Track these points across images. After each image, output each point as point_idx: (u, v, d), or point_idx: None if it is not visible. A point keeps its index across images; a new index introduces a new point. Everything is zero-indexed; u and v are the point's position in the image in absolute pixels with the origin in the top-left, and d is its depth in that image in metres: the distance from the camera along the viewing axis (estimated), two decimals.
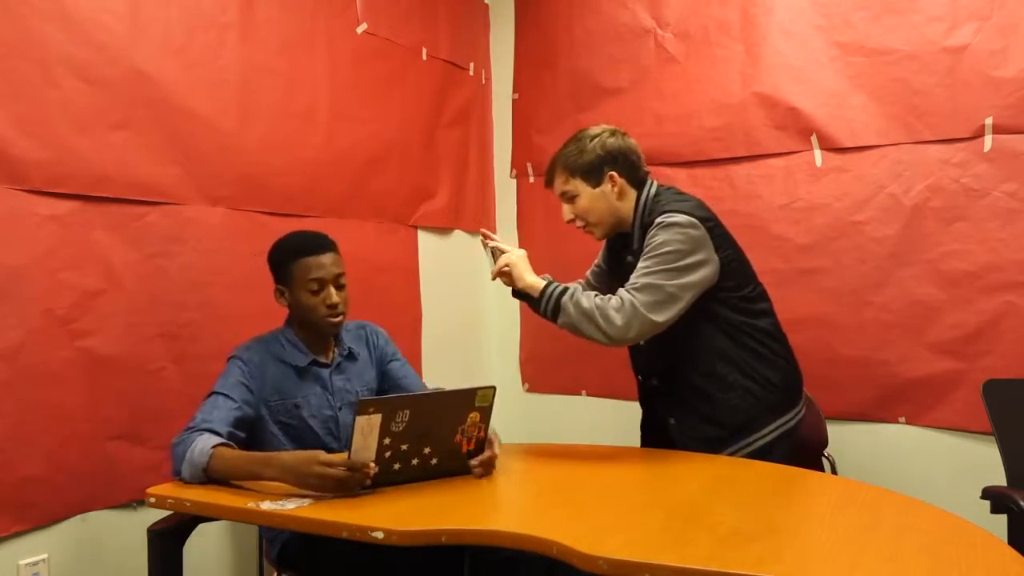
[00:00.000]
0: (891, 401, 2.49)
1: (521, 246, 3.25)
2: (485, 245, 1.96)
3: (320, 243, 1.87)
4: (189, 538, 1.61)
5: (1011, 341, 2.30)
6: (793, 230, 2.64)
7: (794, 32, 2.62)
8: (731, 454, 1.85)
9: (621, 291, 1.78)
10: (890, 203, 2.48)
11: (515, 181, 3.29)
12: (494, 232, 3.33)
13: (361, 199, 2.68)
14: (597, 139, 1.92)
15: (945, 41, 2.38)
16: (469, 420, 1.61)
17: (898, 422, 2.50)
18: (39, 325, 1.82)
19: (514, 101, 3.29)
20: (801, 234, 2.63)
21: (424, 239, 2.97)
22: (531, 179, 3.24)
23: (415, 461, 1.58)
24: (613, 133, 1.95)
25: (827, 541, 1.19)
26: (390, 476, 1.56)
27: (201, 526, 1.62)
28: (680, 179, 2.82)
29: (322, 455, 1.49)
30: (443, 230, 3.08)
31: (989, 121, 2.32)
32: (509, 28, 3.30)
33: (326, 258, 1.84)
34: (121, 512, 2.00)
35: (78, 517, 1.91)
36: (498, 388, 1.68)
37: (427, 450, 1.59)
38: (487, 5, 3.33)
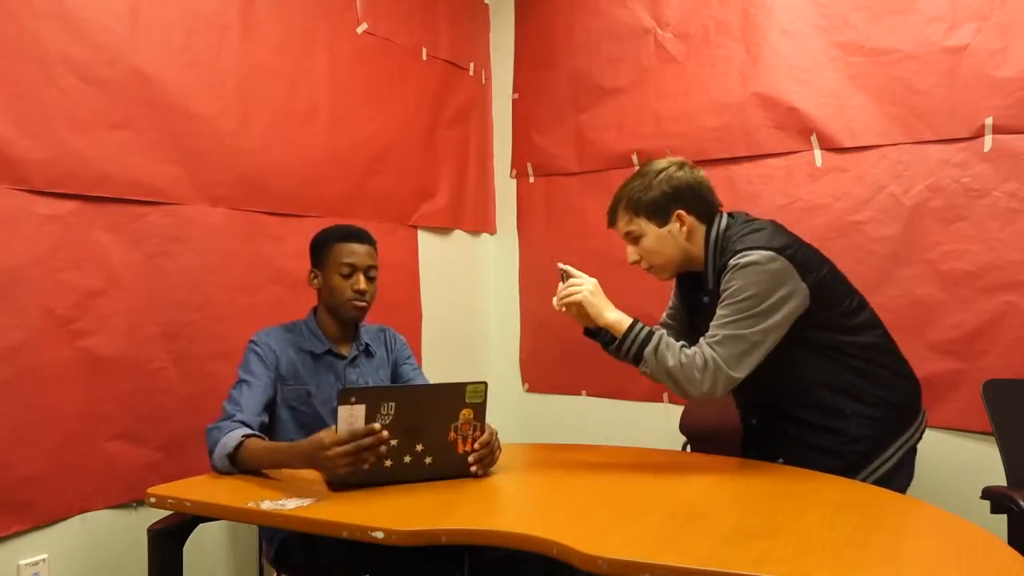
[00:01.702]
0: None
1: (521, 246, 3.28)
2: (562, 273, 1.77)
3: (360, 234, 1.96)
4: (189, 538, 1.61)
5: (1011, 341, 2.30)
6: (793, 230, 2.62)
7: (794, 32, 2.62)
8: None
9: (703, 345, 1.65)
10: (890, 203, 2.48)
11: (515, 181, 3.29)
12: (493, 232, 3.34)
13: (361, 199, 2.68)
14: (664, 173, 1.77)
15: (945, 41, 2.38)
16: (462, 417, 1.60)
17: None
18: (39, 325, 1.82)
19: (514, 101, 3.29)
20: (801, 234, 2.58)
21: (424, 239, 2.97)
22: (531, 179, 3.24)
23: (408, 459, 1.57)
24: (681, 166, 1.80)
25: (827, 541, 1.19)
26: (383, 474, 1.56)
27: (201, 526, 1.62)
28: None
29: (327, 438, 1.50)
30: (443, 230, 3.08)
31: (989, 121, 2.32)
32: (509, 28, 3.30)
33: (362, 248, 1.94)
34: (121, 512, 2.00)
35: (78, 517, 1.91)
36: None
37: (420, 447, 1.58)
38: (487, 5, 3.33)
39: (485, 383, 1.62)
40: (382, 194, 2.77)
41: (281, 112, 2.40)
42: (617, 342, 1.67)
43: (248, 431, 1.70)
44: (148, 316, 2.04)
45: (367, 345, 2.02)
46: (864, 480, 1.69)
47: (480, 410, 1.62)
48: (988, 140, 2.33)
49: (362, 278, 1.91)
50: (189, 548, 1.61)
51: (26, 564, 1.81)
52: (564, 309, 1.72)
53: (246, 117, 2.28)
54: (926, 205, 2.42)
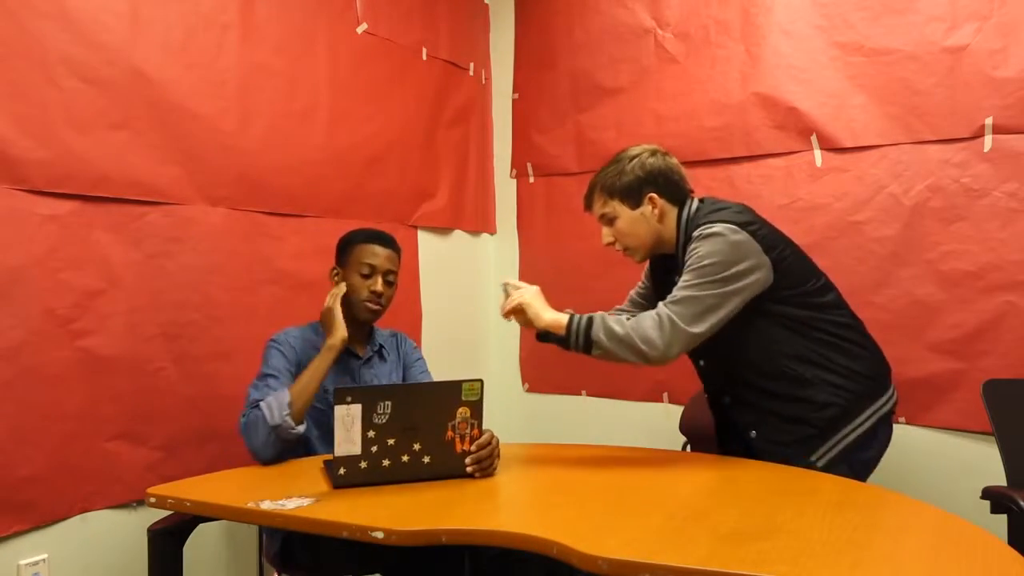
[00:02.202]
0: None
1: (521, 246, 3.28)
2: (504, 287, 1.85)
3: (385, 238, 2.01)
4: (189, 538, 1.61)
5: (1011, 341, 2.30)
6: (793, 230, 2.60)
7: (794, 32, 2.62)
8: (831, 449, 1.76)
9: (659, 306, 1.72)
10: (890, 203, 2.48)
11: (515, 181, 3.29)
12: (494, 232, 3.35)
13: (361, 199, 2.68)
14: (636, 160, 1.86)
15: (945, 41, 2.38)
16: (459, 416, 1.60)
17: (898, 422, 2.49)
18: (39, 325, 1.82)
19: (514, 101, 3.29)
20: (801, 234, 2.61)
21: (424, 239, 2.97)
22: (531, 179, 3.24)
23: (406, 458, 1.58)
24: (653, 153, 1.88)
25: (827, 541, 1.19)
26: (381, 473, 1.56)
27: (201, 526, 1.62)
28: None
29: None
30: (443, 230, 3.08)
31: (989, 121, 2.32)
32: (509, 28, 3.30)
33: (384, 251, 1.99)
34: (121, 512, 2.00)
35: (78, 517, 1.91)
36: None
37: (417, 446, 1.58)
38: (487, 5, 3.33)
39: (481, 380, 1.62)
40: (382, 194, 2.77)
41: (281, 112, 2.40)
42: (564, 337, 1.73)
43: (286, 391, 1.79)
44: (148, 316, 2.04)
45: (381, 347, 2.05)
46: (835, 446, 1.76)
47: (477, 408, 1.62)
48: (988, 140, 2.33)
49: (380, 280, 1.96)
50: (189, 548, 1.61)
51: (26, 564, 1.81)
52: (512, 319, 1.79)
53: (246, 117, 2.28)
54: (926, 205, 2.42)
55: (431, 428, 1.59)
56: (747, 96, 2.70)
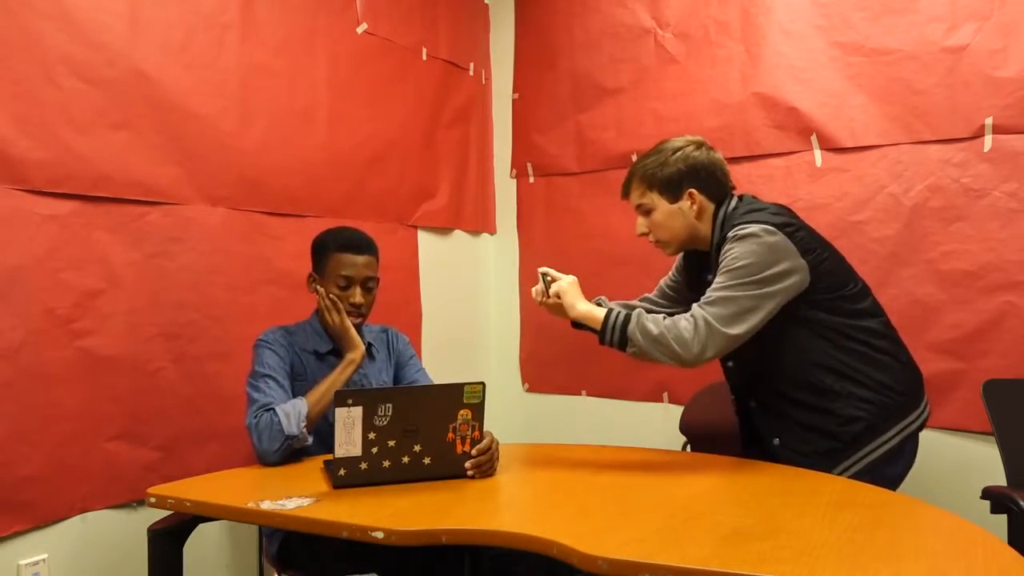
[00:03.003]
0: None
1: (521, 246, 3.28)
2: (542, 275, 1.84)
3: (360, 243, 1.95)
4: (189, 538, 1.61)
5: (1011, 341, 2.30)
6: None
7: (794, 32, 2.62)
8: (855, 463, 1.72)
9: (694, 307, 1.67)
10: (890, 203, 2.48)
11: (515, 181, 3.29)
12: (494, 232, 3.34)
13: (361, 199, 2.68)
14: (680, 152, 1.81)
15: (945, 41, 2.38)
16: (460, 418, 1.61)
17: None
18: (39, 325, 1.82)
19: (514, 101, 3.29)
20: None
21: (424, 239, 2.97)
22: (531, 179, 3.24)
23: (406, 459, 1.58)
24: (699, 146, 1.83)
25: (827, 541, 1.19)
26: (382, 474, 1.56)
27: (201, 526, 1.62)
28: None
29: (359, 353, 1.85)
30: (443, 230, 3.08)
31: (989, 121, 2.32)
32: (509, 28, 3.30)
33: (361, 259, 1.93)
34: (121, 512, 2.00)
35: (78, 517, 1.91)
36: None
37: (417, 448, 1.58)
38: (487, 5, 3.33)
39: (483, 383, 1.61)
40: (382, 194, 2.77)
41: (281, 112, 2.40)
42: (600, 332, 1.70)
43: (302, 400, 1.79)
44: (148, 316, 2.04)
45: (370, 346, 2.03)
46: (860, 460, 1.72)
47: (478, 410, 1.62)
48: (988, 140, 2.33)
49: (359, 291, 1.93)
50: (189, 548, 1.61)
51: (26, 564, 1.81)
52: (550, 303, 1.78)
53: (246, 117, 2.28)
54: (926, 205, 2.42)
55: (432, 430, 1.59)
56: (747, 96, 2.70)
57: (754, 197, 1.88)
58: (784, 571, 1.07)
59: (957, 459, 2.38)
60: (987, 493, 1.86)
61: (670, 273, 2.09)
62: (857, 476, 1.70)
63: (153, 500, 1.53)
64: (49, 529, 1.86)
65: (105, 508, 1.97)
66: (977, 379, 2.13)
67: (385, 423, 1.53)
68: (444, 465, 1.61)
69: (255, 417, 1.75)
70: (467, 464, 1.62)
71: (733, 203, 1.83)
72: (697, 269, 1.92)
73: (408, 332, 2.25)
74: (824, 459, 1.73)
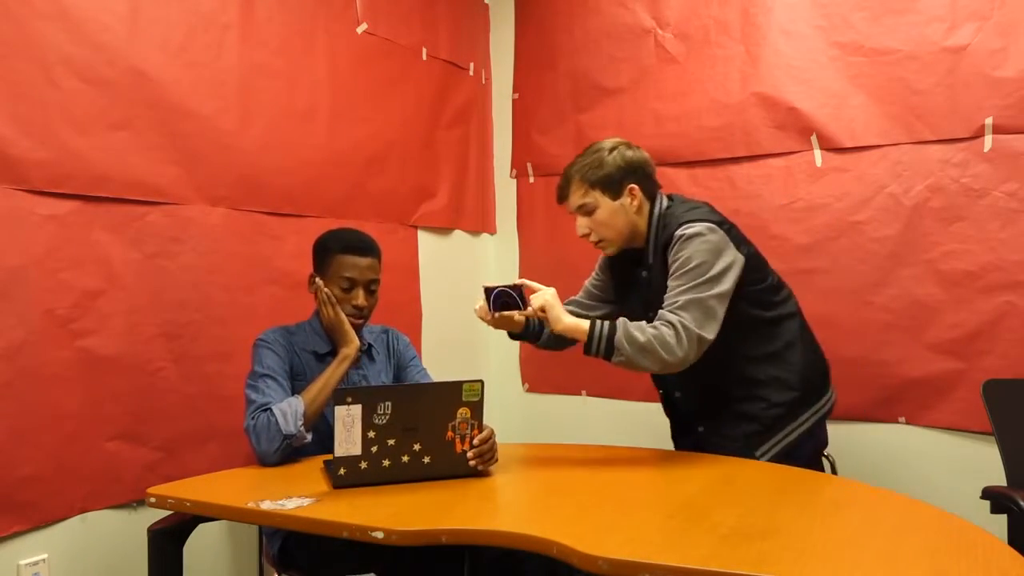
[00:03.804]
0: (891, 401, 2.49)
1: (521, 246, 3.28)
2: (485, 291, 1.78)
3: (364, 245, 1.95)
4: (189, 538, 1.61)
5: (1011, 341, 2.30)
6: (793, 230, 2.64)
7: (794, 32, 2.62)
8: (774, 445, 1.83)
9: (666, 315, 1.71)
10: (890, 203, 2.48)
11: (515, 181, 3.29)
12: (494, 232, 3.34)
13: (361, 199, 2.68)
14: (616, 151, 1.87)
15: (945, 41, 2.38)
16: (459, 416, 1.61)
17: (898, 422, 2.50)
18: (39, 325, 1.82)
19: (514, 101, 3.29)
20: (801, 234, 2.63)
21: (424, 239, 2.97)
22: (531, 179, 3.24)
23: (406, 458, 1.58)
24: (629, 146, 1.90)
25: (827, 541, 1.19)
26: (381, 473, 1.56)
27: (201, 526, 1.62)
28: (681, 179, 2.82)
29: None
30: (443, 230, 3.08)
31: (989, 121, 2.32)
32: (509, 28, 3.30)
33: (364, 261, 1.94)
34: (121, 512, 2.00)
35: (78, 517, 1.91)
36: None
37: (417, 446, 1.58)
38: (487, 5, 3.33)
39: (481, 381, 1.62)
40: (382, 194, 2.77)
41: (281, 112, 2.40)
42: (586, 342, 1.72)
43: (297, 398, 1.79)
44: (148, 316, 2.04)
45: (370, 346, 2.04)
46: (779, 443, 1.84)
47: (477, 409, 1.62)
48: (988, 140, 2.33)
49: (361, 293, 1.93)
50: (189, 548, 1.61)
51: (26, 564, 1.81)
52: (541, 313, 1.74)
53: (246, 117, 2.28)
54: (926, 205, 2.42)
55: (431, 428, 1.59)
56: (747, 96, 2.70)
57: (683, 197, 1.96)
58: (784, 571, 1.07)
59: (957, 459, 2.38)
60: (987, 493, 1.86)
61: (593, 274, 2.14)
62: (775, 459, 1.82)
63: (153, 500, 1.53)
64: (49, 529, 1.86)
65: (105, 508, 1.97)
66: (977, 379, 2.13)
67: (385, 421, 1.53)
68: (444, 464, 1.61)
69: (252, 419, 1.75)
70: (469, 455, 1.62)
71: (665, 201, 1.91)
72: (629, 263, 1.97)
73: (408, 332, 2.25)
74: (747, 442, 1.83)
